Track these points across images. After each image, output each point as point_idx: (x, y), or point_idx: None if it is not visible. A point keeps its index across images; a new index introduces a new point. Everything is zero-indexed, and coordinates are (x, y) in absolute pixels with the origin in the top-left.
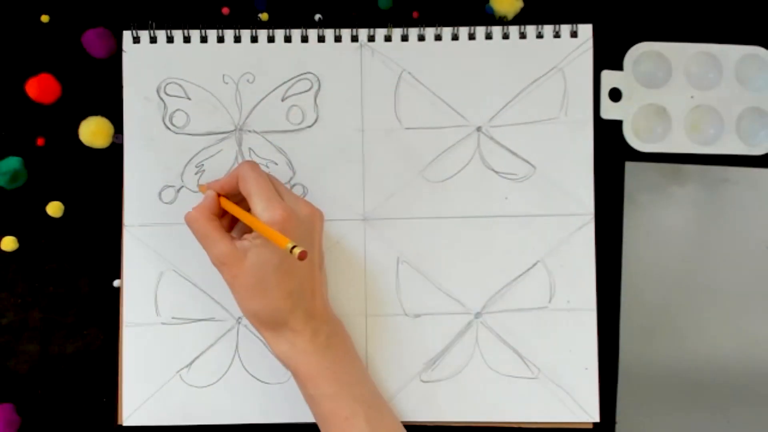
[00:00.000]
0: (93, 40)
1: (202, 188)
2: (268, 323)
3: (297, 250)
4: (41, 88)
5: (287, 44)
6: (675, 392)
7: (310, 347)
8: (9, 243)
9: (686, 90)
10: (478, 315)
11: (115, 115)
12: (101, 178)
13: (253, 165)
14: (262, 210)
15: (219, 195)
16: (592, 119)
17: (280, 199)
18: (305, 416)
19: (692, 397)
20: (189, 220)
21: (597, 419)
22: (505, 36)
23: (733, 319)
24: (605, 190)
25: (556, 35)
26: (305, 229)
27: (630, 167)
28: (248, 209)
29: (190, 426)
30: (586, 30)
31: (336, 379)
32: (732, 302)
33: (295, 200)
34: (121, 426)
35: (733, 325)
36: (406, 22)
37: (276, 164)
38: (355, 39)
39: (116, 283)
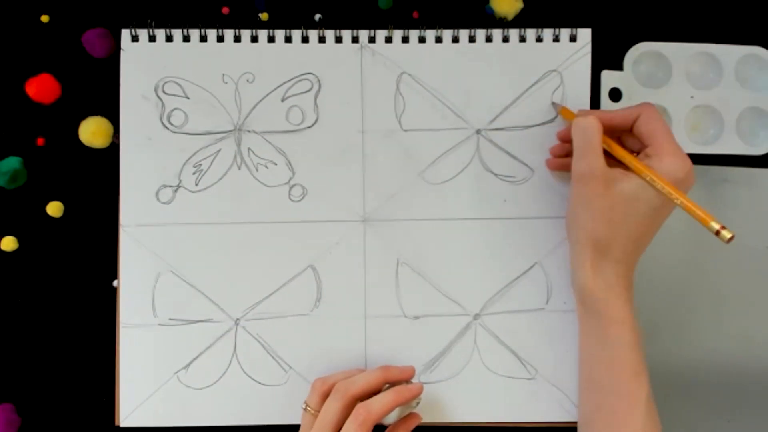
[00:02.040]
0: (93, 40)
1: (570, 116)
2: (602, 252)
3: (727, 234)
4: (41, 88)
5: (287, 44)
6: (675, 392)
7: (626, 294)
8: (9, 243)
9: (686, 90)
10: (476, 316)
11: (114, 115)
12: (101, 178)
13: (656, 108)
14: (672, 153)
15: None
16: None
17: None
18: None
19: (692, 397)
20: (585, 127)
21: None
22: (505, 39)
23: (733, 319)
24: None
25: (556, 39)
26: (686, 190)
27: None
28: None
29: (187, 427)
30: (585, 34)
31: (637, 331)
32: (732, 302)
33: None
34: (118, 427)
35: (733, 325)
36: (406, 22)
37: (275, 164)
38: (355, 40)
39: (116, 283)
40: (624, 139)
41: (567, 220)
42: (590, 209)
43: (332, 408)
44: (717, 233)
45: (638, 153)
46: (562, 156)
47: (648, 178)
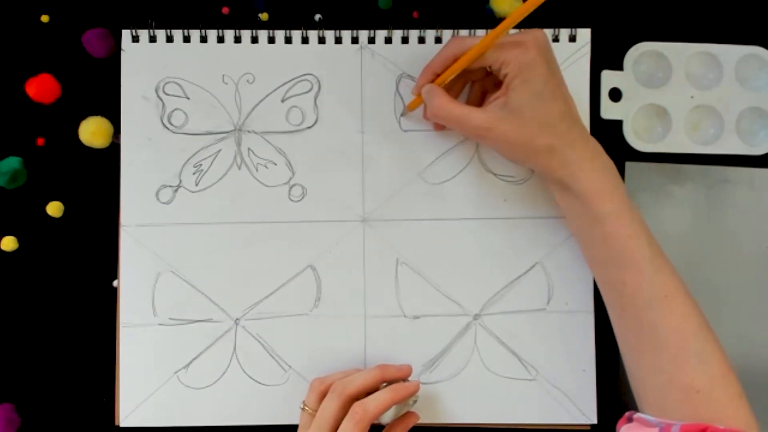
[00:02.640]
0: (93, 40)
1: (417, 100)
2: (549, 148)
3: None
4: (41, 88)
5: (287, 45)
6: None
7: (594, 165)
8: (9, 243)
9: (686, 90)
10: (476, 317)
11: (115, 115)
12: (101, 178)
13: (463, 37)
14: (509, 50)
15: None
16: (589, 122)
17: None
18: None
19: None
20: (436, 113)
21: (594, 421)
22: None
23: (733, 319)
24: None
25: (555, 39)
26: (547, 49)
27: (630, 167)
28: None
29: (187, 427)
30: (584, 34)
31: (620, 198)
32: (732, 302)
33: None
34: (118, 427)
35: (733, 325)
36: (406, 22)
37: (275, 165)
38: (355, 41)
39: (116, 283)
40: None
41: (512, 160)
42: (515, 138)
43: (329, 407)
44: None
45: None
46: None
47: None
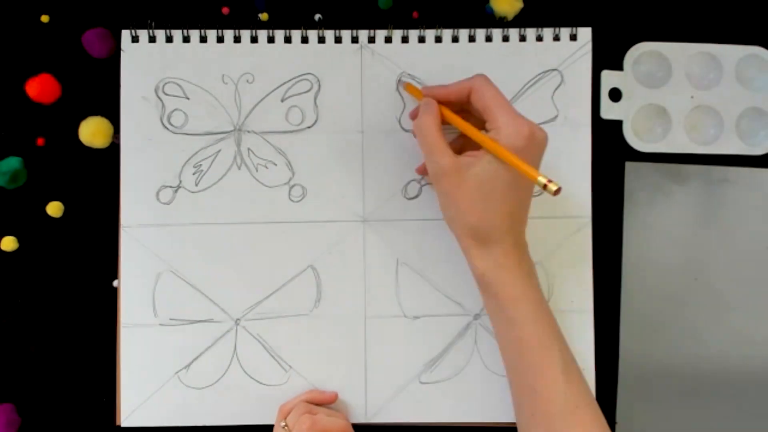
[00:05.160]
0: (93, 40)
1: (415, 92)
2: (481, 237)
3: (553, 186)
4: (41, 88)
5: (287, 45)
6: (675, 392)
7: (517, 270)
8: (9, 243)
9: (686, 90)
10: (477, 316)
11: (115, 115)
12: (101, 179)
13: (488, 78)
14: (506, 124)
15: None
16: (590, 122)
17: (521, 114)
18: None
19: (692, 396)
20: (421, 127)
21: None
22: (505, 38)
23: (733, 319)
24: (605, 190)
25: (556, 38)
26: (537, 152)
27: (630, 167)
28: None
29: (188, 427)
30: (585, 33)
31: (538, 305)
32: (732, 302)
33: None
34: (119, 427)
35: (733, 325)
36: (406, 22)
37: (275, 165)
38: (355, 40)
39: (116, 283)
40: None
41: (443, 215)
42: (454, 201)
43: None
44: (544, 187)
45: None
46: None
47: (485, 145)
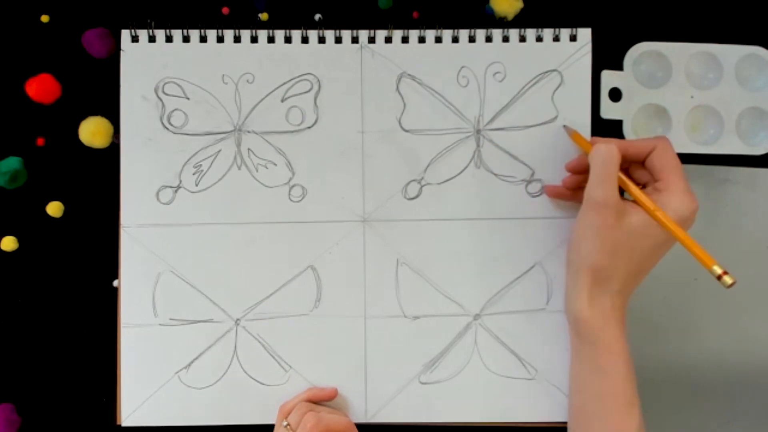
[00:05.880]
0: (93, 40)
1: (583, 144)
2: (603, 284)
3: (729, 279)
4: (41, 88)
5: (287, 45)
6: (675, 392)
7: (621, 325)
8: (9, 243)
9: (686, 90)
10: (476, 317)
11: (115, 115)
12: (101, 178)
13: (670, 143)
14: (681, 192)
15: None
16: (590, 122)
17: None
18: None
19: (692, 397)
20: (604, 153)
21: None
22: (505, 39)
23: (733, 319)
24: None
25: (556, 39)
26: (689, 228)
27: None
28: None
29: (188, 427)
30: (585, 34)
31: (629, 362)
32: (732, 302)
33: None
34: (120, 426)
35: (733, 325)
36: (406, 22)
37: (275, 165)
38: (355, 40)
39: (116, 283)
40: (632, 170)
41: (570, 245)
42: (597, 238)
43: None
44: (719, 278)
45: (645, 186)
46: (573, 188)
47: (655, 216)
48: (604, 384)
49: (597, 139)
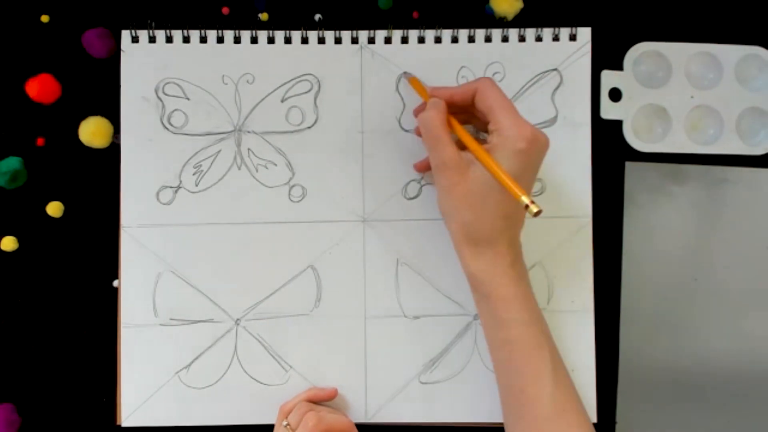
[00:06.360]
0: (93, 40)
1: (420, 88)
2: (475, 238)
3: (534, 208)
4: (41, 88)
5: (287, 45)
6: (675, 392)
7: (510, 271)
8: (9, 243)
9: (686, 90)
10: (477, 316)
11: (115, 115)
12: (101, 179)
13: (493, 81)
14: (509, 126)
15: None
16: (590, 122)
17: (524, 118)
18: None
19: (692, 397)
20: (427, 120)
21: (594, 419)
22: (505, 39)
23: (733, 319)
24: (605, 191)
25: (555, 38)
26: (537, 156)
27: (630, 167)
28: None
29: (188, 427)
30: (584, 33)
31: (529, 307)
32: (732, 302)
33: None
34: (120, 426)
35: (733, 325)
36: (405, 22)
37: (275, 165)
38: (355, 41)
39: (116, 283)
40: (475, 114)
41: (439, 210)
42: (451, 197)
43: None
44: (526, 207)
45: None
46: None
47: (474, 152)
48: (505, 333)
49: (432, 89)
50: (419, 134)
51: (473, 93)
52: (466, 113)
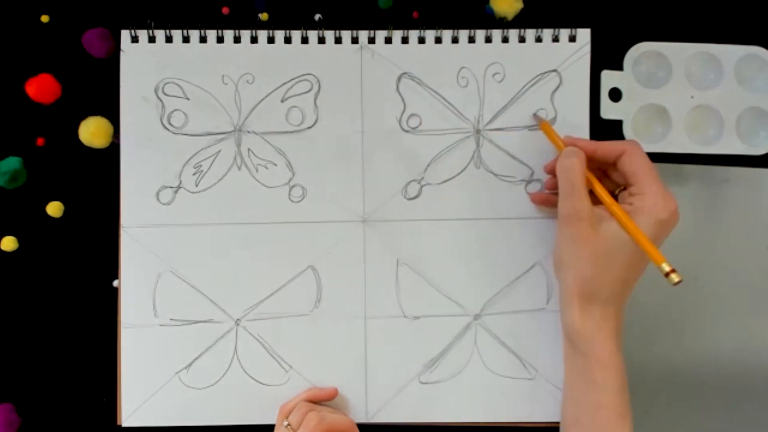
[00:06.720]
0: (93, 40)
1: (553, 136)
2: (590, 295)
3: (675, 277)
4: (41, 88)
5: (287, 45)
6: (675, 392)
7: (615, 336)
8: (9, 243)
9: (686, 90)
10: (476, 317)
11: (114, 115)
12: (101, 179)
13: (640, 145)
14: (655, 194)
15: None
16: (588, 123)
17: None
18: None
19: (692, 396)
20: (567, 167)
21: None
22: (505, 39)
23: (733, 319)
24: None
25: (555, 39)
26: (670, 230)
27: None
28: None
29: (189, 427)
30: (584, 34)
31: (622, 375)
32: (732, 302)
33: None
34: (120, 426)
35: (733, 325)
36: (406, 22)
37: (275, 165)
38: (355, 41)
39: (116, 283)
40: (611, 172)
41: (554, 259)
42: (576, 250)
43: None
44: (666, 275)
45: (625, 188)
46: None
47: (615, 215)
48: (597, 396)
49: (568, 139)
50: (549, 187)
51: (619, 154)
52: (594, 165)
